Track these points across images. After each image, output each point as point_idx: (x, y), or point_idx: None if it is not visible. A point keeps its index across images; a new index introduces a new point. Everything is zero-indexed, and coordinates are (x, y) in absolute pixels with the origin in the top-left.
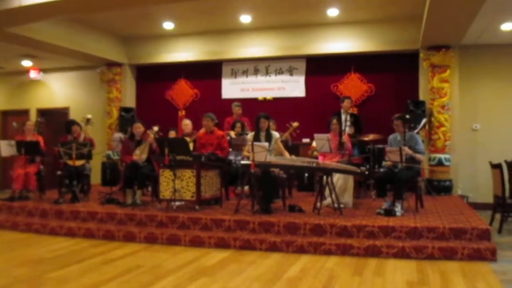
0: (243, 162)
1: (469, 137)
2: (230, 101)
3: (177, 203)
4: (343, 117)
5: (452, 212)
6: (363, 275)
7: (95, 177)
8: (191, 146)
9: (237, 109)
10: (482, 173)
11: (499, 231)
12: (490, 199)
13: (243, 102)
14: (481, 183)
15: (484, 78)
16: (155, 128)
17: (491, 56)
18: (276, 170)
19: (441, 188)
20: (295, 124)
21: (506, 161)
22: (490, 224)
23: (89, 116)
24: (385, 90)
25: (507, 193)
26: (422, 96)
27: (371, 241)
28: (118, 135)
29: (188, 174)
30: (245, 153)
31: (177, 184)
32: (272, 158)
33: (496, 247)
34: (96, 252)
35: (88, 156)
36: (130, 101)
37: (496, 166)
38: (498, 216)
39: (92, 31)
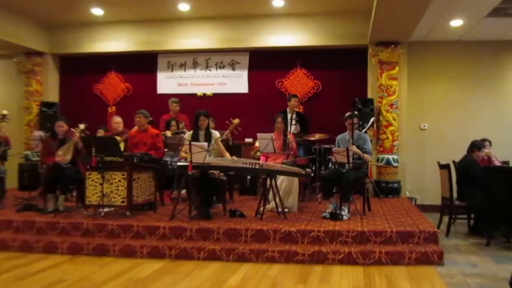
0: (179, 163)
1: (417, 136)
2: (166, 97)
3: (106, 209)
4: (288, 115)
5: (400, 215)
6: (308, 282)
7: (11, 181)
8: (122, 146)
9: (174, 106)
10: (430, 174)
11: (447, 234)
12: (438, 201)
13: (181, 98)
14: (429, 185)
15: (433, 75)
16: (81, 126)
17: (440, 53)
18: (216, 172)
19: (389, 190)
20: (236, 121)
21: (454, 162)
22: (438, 227)
23: (4, 112)
24: (333, 88)
25: (454, 195)
26: (370, 94)
27: (316, 247)
28: (38, 133)
29: (118, 177)
30: (182, 153)
31: (106, 188)
32: (211, 159)
33: (443, 250)
34: (11, 266)
35: (3, 157)
36: (52, 95)
37: (444, 167)
38: (446, 219)
39: (8, 14)
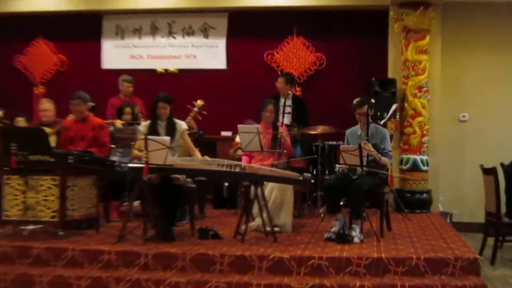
0: (131, 165)
1: (454, 131)
2: (115, 73)
3: (30, 227)
4: (281, 101)
5: (429, 236)
6: None
7: None
8: (52, 140)
9: (125, 86)
10: (471, 181)
11: (492, 261)
12: (481, 218)
13: (135, 75)
14: (469, 196)
15: (476, 49)
16: None
17: (487, 17)
18: (182, 178)
19: (416, 202)
20: (199, 103)
21: (502, 165)
22: (481, 252)
23: None
24: (341, 63)
25: (503, 209)
26: (392, 73)
27: (317, 279)
28: None
29: (47, 183)
30: (135, 151)
31: (30, 199)
32: (176, 160)
33: (487, 283)
34: None
35: None
36: None
37: (489, 172)
38: (491, 241)
39: None
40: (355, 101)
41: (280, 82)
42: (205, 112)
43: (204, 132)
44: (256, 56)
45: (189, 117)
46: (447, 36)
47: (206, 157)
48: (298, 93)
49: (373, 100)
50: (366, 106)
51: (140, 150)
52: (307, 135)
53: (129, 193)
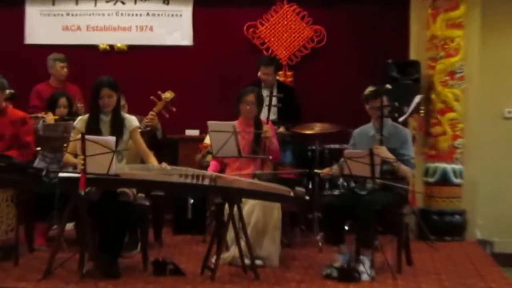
0: (63, 174)
1: (497, 131)
2: (43, 50)
3: None
4: (265, 91)
5: (463, 272)
6: None
7: None
8: None
9: (58, 68)
10: None
11: None
12: None
13: (70, 53)
14: None
15: None
16: None
17: None
18: (131, 192)
19: (446, 227)
20: (168, 95)
21: None
22: None
23: None
24: (346, 40)
25: None
26: (414, 53)
27: None
28: None
29: None
30: (68, 157)
31: None
32: (124, 168)
33: None
34: None
35: None
36: None
37: None
38: None
39: None
40: (366, 91)
41: (266, 72)
42: (174, 109)
43: (162, 129)
44: (233, 29)
45: (151, 113)
46: (489, 7)
47: (165, 165)
48: (287, 81)
49: (389, 86)
50: (380, 98)
51: (74, 155)
52: (300, 135)
53: (60, 212)
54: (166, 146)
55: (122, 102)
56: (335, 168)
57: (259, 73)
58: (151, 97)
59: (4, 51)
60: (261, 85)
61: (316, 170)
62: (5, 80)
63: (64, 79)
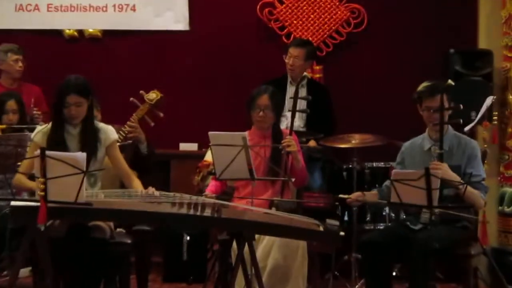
0: (16, 202)
1: None
2: None
3: None
4: (290, 90)
5: None
6: None
7: None
8: None
9: (10, 61)
10: None
11: None
12: None
13: (26, 41)
14: None
15: None
16: None
17: None
18: (107, 226)
19: None
20: (152, 96)
21: None
22: None
23: None
24: (394, 23)
25: None
26: (484, 41)
27: None
28: None
29: None
30: (21, 179)
31: None
32: (98, 194)
33: None
34: None
35: None
36: None
37: None
38: None
39: None
40: (420, 87)
41: (296, 55)
42: (161, 114)
43: (148, 142)
44: (243, 10)
45: (131, 120)
46: None
47: (152, 190)
48: (316, 77)
49: (451, 82)
50: (440, 96)
51: (30, 176)
52: (333, 150)
53: (12, 253)
54: (153, 165)
55: (97, 114)
56: (370, 194)
57: (285, 59)
58: (131, 99)
59: None
60: (284, 82)
61: (341, 196)
62: None
63: (19, 77)
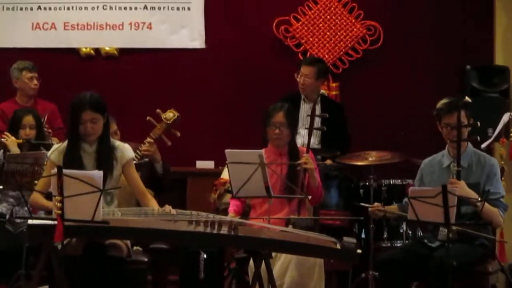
0: (33, 221)
1: None
2: (6, 56)
3: None
4: (303, 107)
5: None
6: None
7: None
8: None
9: (25, 79)
10: None
11: None
12: None
13: (42, 59)
14: None
15: None
16: None
17: None
18: (124, 245)
19: None
20: (169, 115)
21: None
22: None
23: None
24: (409, 39)
25: None
26: (502, 57)
27: None
28: None
29: None
30: (36, 197)
31: None
32: (114, 212)
33: None
34: None
35: None
36: None
37: None
38: None
39: None
40: (439, 104)
41: (306, 74)
42: (178, 133)
43: (163, 161)
44: (259, 27)
45: (148, 139)
46: None
47: (168, 208)
48: (332, 95)
49: (468, 99)
50: (458, 113)
51: (46, 195)
52: (349, 168)
53: (28, 272)
54: (168, 184)
55: (114, 127)
56: (391, 208)
57: (297, 77)
58: (148, 118)
59: None
60: (298, 99)
61: (362, 204)
62: None
63: (35, 94)
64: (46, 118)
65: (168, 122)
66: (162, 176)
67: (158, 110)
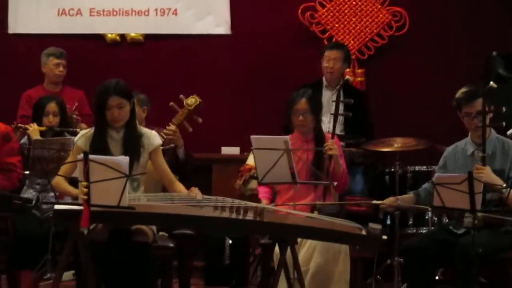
0: (59, 206)
1: None
2: (33, 42)
3: None
4: (326, 93)
5: None
6: None
7: None
8: None
9: (52, 66)
10: None
11: None
12: None
13: (68, 45)
14: None
15: None
16: None
17: None
18: (150, 231)
19: None
20: (191, 101)
21: None
22: None
23: None
24: (434, 25)
25: None
26: None
27: None
28: None
29: None
30: (58, 181)
31: None
32: (140, 198)
33: None
34: None
35: None
36: None
37: None
38: None
39: None
40: (458, 94)
41: (334, 57)
42: (200, 119)
43: (185, 146)
44: (284, 13)
45: (170, 125)
46: None
47: (195, 190)
48: (355, 81)
49: (493, 84)
50: (480, 101)
51: (69, 180)
52: (374, 154)
53: (55, 258)
54: (191, 169)
55: (142, 114)
56: (405, 198)
57: (322, 63)
58: (171, 103)
59: None
60: (320, 86)
61: (374, 202)
62: None
63: (60, 81)
64: (76, 105)
65: (190, 108)
66: (183, 162)
67: (181, 96)
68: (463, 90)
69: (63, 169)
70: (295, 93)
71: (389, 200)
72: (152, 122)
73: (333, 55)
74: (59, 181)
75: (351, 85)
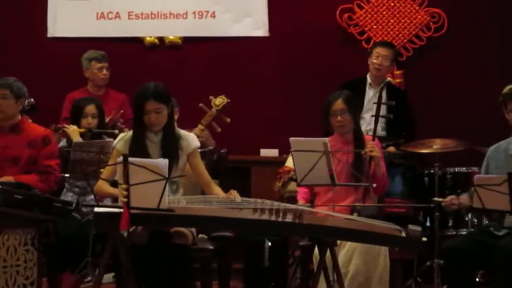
0: (99, 209)
1: None
2: (72, 45)
3: None
4: (369, 92)
5: None
6: None
7: None
8: None
9: (95, 70)
10: None
11: None
12: None
13: (108, 49)
14: None
15: None
16: None
17: None
18: (189, 233)
19: None
20: (219, 100)
21: None
22: None
23: None
24: (473, 25)
25: None
26: None
27: None
28: None
29: None
30: (103, 185)
31: None
32: (180, 201)
33: None
34: None
35: None
36: None
37: None
38: None
39: None
40: (505, 90)
41: (385, 54)
42: (228, 119)
43: (228, 150)
44: (323, 15)
45: (199, 126)
46: None
47: (234, 192)
48: (397, 81)
49: None
50: None
51: (113, 183)
52: (413, 156)
53: (95, 260)
54: (223, 170)
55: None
56: (464, 197)
57: (370, 58)
58: (200, 104)
59: (21, 48)
60: (363, 85)
61: (436, 199)
62: (22, 85)
63: (104, 84)
64: (121, 112)
65: (218, 108)
66: (215, 163)
67: (210, 97)
68: (510, 86)
69: (105, 172)
70: (332, 94)
71: (450, 197)
72: (192, 125)
73: (384, 52)
74: (101, 184)
75: (394, 85)
